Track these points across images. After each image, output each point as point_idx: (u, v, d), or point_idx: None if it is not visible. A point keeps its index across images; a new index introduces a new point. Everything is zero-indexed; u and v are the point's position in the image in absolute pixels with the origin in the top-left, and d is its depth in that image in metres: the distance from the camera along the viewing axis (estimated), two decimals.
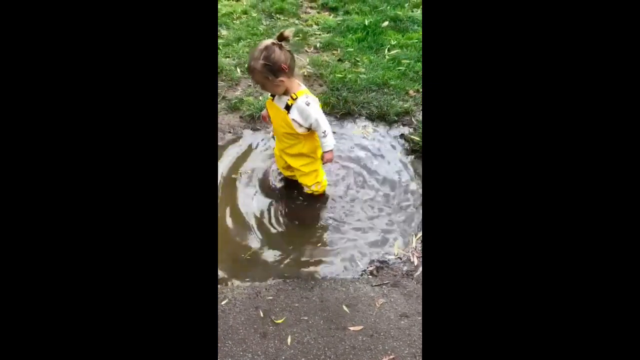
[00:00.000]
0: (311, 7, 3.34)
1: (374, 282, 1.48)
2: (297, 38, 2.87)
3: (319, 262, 1.57)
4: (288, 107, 1.48)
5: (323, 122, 1.50)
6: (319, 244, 1.64)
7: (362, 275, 1.52)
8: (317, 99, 1.52)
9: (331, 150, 1.58)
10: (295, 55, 1.43)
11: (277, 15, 3.16)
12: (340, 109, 2.24)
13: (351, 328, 1.34)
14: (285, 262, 1.57)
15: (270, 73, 1.37)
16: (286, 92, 1.47)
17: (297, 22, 3.11)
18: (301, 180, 1.71)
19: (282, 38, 1.38)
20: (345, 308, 1.40)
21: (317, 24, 3.07)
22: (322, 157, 1.61)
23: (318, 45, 2.80)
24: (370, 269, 1.54)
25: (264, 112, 1.75)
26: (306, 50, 2.76)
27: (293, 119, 1.49)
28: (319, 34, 2.93)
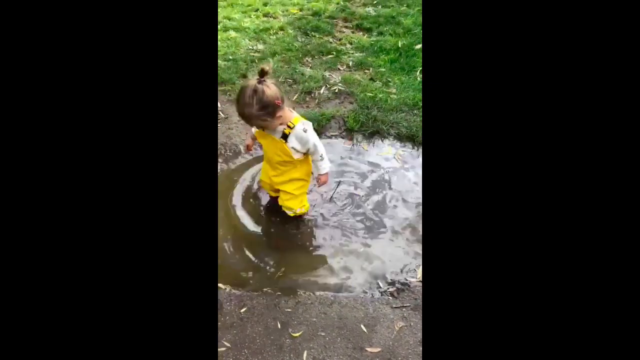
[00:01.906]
0: (346, 27, 3.42)
1: (394, 304, 1.45)
2: (331, 56, 2.93)
3: (339, 279, 1.56)
4: (285, 136, 1.46)
5: (320, 146, 1.52)
6: (340, 262, 1.63)
7: (382, 295, 1.50)
8: (310, 122, 1.50)
9: (327, 173, 1.59)
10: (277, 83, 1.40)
11: (313, 33, 3.25)
12: (368, 127, 2.26)
13: (369, 349, 1.32)
14: (306, 276, 1.57)
15: (268, 114, 1.34)
16: (281, 122, 1.44)
17: (331, 40, 3.18)
18: (287, 203, 1.66)
19: (263, 74, 1.34)
20: (363, 328, 1.38)
21: (350, 43, 3.13)
22: (318, 180, 1.60)
23: (350, 64, 2.85)
24: (391, 290, 1.51)
25: (247, 142, 1.75)
26: (339, 68, 2.81)
27: (292, 147, 1.47)
28: (352, 53, 2.99)
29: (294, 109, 1.59)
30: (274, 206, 1.78)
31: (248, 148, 1.77)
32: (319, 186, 1.66)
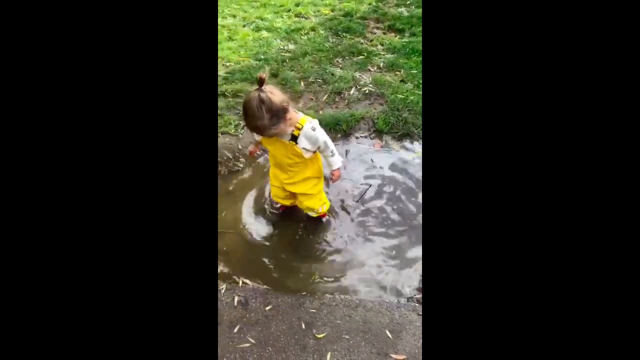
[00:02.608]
0: (377, 28, 3.38)
1: (421, 312, 1.42)
2: (361, 57, 2.91)
3: (365, 283, 1.54)
4: (294, 138, 1.43)
5: (329, 142, 1.49)
6: (366, 266, 1.61)
7: (408, 301, 1.46)
8: (316, 120, 1.47)
9: (339, 168, 1.56)
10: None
11: (344, 34, 3.24)
12: (399, 129, 2.22)
13: (393, 356, 1.29)
14: (331, 278, 1.56)
15: (279, 120, 1.31)
16: (290, 124, 1.41)
17: (362, 41, 3.16)
18: (307, 204, 1.63)
19: (262, 82, 1.29)
20: (388, 333, 1.35)
21: (382, 44, 3.10)
22: (332, 175, 1.58)
23: (381, 65, 2.82)
24: (418, 296, 1.48)
25: (251, 148, 1.71)
26: (369, 69, 2.78)
27: (303, 148, 1.45)
28: (383, 54, 2.95)
29: (321, 109, 1.56)
30: (290, 212, 1.78)
31: (251, 154, 1.75)
32: (332, 182, 1.64)
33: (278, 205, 1.82)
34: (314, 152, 1.51)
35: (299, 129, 1.41)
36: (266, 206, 1.85)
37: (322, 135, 1.45)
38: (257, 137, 1.55)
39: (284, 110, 1.31)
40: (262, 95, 1.26)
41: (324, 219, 1.77)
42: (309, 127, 1.42)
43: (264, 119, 1.27)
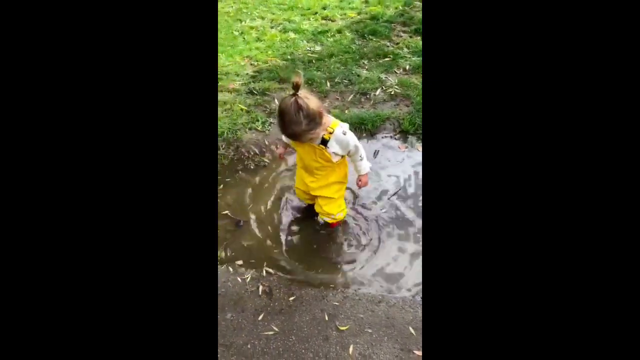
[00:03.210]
0: (404, 31, 3.40)
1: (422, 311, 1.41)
2: (387, 59, 2.93)
3: (388, 280, 1.55)
4: (325, 142, 1.42)
5: (360, 146, 1.47)
6: (391, 264, 1.61)
7: None
8: (346, 124, 1.47)
9: (367, 174, 1.55)
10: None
11: (370, 36, 3.26)
12: None
13: (416, 352, 1.29)
14: (354, 273, 1.57)
15: (316, 125, 1.31)
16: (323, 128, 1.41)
17: (388, 44, 3.18)
18: (326, 208, 1.62)
19: (297, 87, 1.29)
20: (412, 330, 1.35)
21: (408, 47, 3.11)
22: (359, 181, 1.57)
23: (407, 67, 2.82)
24: None
25: (280, 150, 1.73)
26: (395, 71, 2.80)
27: (333, 152, 1.45)
28: (409, 57, 2.96)
29: (347, 109, 1.56)
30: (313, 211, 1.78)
31: (280, 157, 1.76)
32: (359, 187, 1.63)
33: (304, 205, 1.83)
34: (343, 156, 1.52)
35: (330, 133, 1.42)
36: (289, 203, 1.88)
37: (352, 139, 1.46)
38: (286, 139, 1.57)
39: (320, 115, 1.31)
40: (300, 101, 1.26)
41: (338, 227, 1.74)
42: (340, 131, 1.42)
43: (301, 125, 1.27)
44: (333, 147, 1.44)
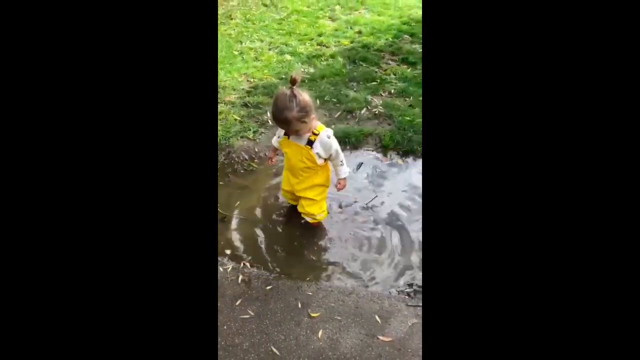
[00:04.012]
0: (392, 60, 3.65)
1: (410, 302, 1.52)
2: (374, 83, 3.16)
3: (360, 275, 1.66)
4: (310, 142, 1.57)
5: (340, 152, 1.64)
6: (363, 261, 1.73)
7: (399, 293, 1.57)
8: (331, 130, 1.62)
9: (345, 178, 1.70)
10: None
11: (360, 63, 3.51)
12: (403, 147, 2.40)
13: (380, 337, 1.39)
14: (329, 269, 1.69)
15: (306, 116, 1.46)
16: (309, 129, 1.55)
17: (376, 70, 3.42)
18: (308, 209, 1.75)
19: (294, 82, 1.44)
20: (377, 318, 1.45)
21: (394, 74, 3.35)
22: (338, 184, 1.72)
23: (392, 91, 3.04)
24: (409, 290, 1.58)
25: (270, 154, 1.86)
26: (381, 94, 3.01)
27: (316, 153, 1.58)
28: (395, 82, 3.19)
29: (333, 125, 1.73)
30: (295, 211, 1.91)
31: (270, 161, 1.87)
32: (338, 190, 1.77)
33: (287, 205, 1.96)
34: (325, 160, 1.66)
35: (316, 135, 1.57)
36: (274, 203, 2.01)
37: (335, 144, 1.61)
38: (275, 143, 1.73)
39: (310, 108, 1.48)
40: (294, 91, 1.44)
41: (318, 227, 1.87)
42: (325, 135, 1.58)
43: (293, 111, 1.43)
44: (317, 148, 1.59)
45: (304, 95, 1.47)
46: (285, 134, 1.62)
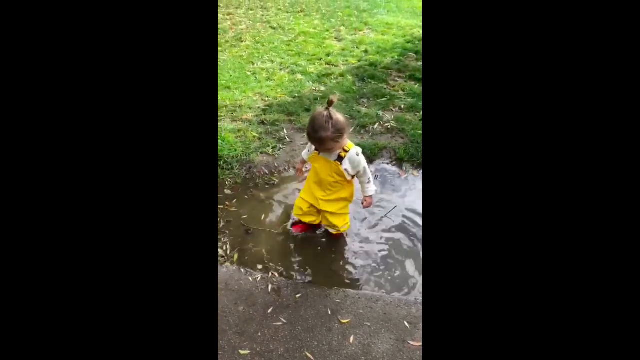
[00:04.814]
0: (399, 77, 3.79)
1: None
2: (384, 99, 3.27)
3: (385, 283, 1.71)
4: (340, 159, 1.66)
5: (368, 170, 1.72)
6: (389, 269, 1.78)
7: None
8: (360, 148, 1.69)
9: (372, 196, 1.76)
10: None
11: (369, 80, 3.64)
12: (417, 159, 2.47)
13: (411, 342, 1.43)
14: (355, 277, 1.74)
15: (340, 136, 1.56)
16: (341, 146, 1.63)
17: (385, 86, 3.55)
18: (332, 220, 1.82)
19: (331, 103, 1.54)
20: (406, 324, 1.50)
21: (403, 90, 3.47)
22: (364, 201, 1.77)
23: (402, 106, 3.15)
24: None
25: (298, 166, 1.94)
26: (391, 109, 3.12)
27: (345, 169, 1.66)
28: (404, 98, 3.31)
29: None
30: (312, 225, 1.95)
31: (299, 172, 1.96)
32: (364, 207, 1.82)
33: (295, 220, 1.98)
34: (353, 176, 1.73)
35: (346, 152, 1.66)
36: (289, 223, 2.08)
37: (363, 162, 1.69)
38: (305, 156, 1.82)
39: (345, 130, 1.57)
40: (331, 112, 1.54)
41: (340, 238, 1.93)
42: (355, 152, 1.67)
43: (328, 132, 1.51)
44: (346, 164, 1.67)
45: (340, 116, 1.55)
46: (316, 149, 1.70)
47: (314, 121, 1.56)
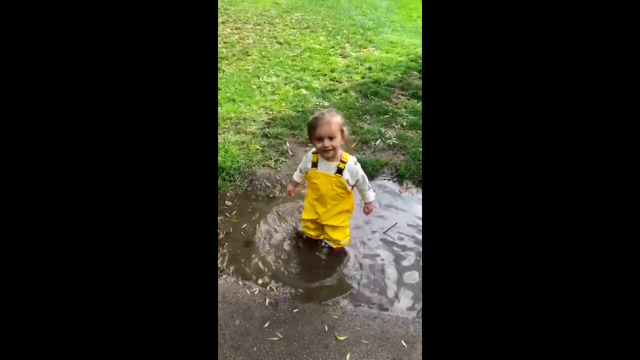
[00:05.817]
0: (402, 94, 3.84)
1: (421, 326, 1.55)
2: (387, 116, 3.30)
3: (383, 300, 1.70)
4: (340, 170, 1.70)
5: (366, 177, 1.76)
6: (387, 287, 1.77)
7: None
8: (354, 157, 1.74)
9: (372, 202, 1.81)
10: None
11: (372, 97, 3.69)
12: (418, 176, 2.49)
13: None
14: (353, 293, 1.73)
15: (341, 135, 1.63)
16: (335, 158, 1.69)
17: (388, 104, 3.59)
18: (332, 235, 1.84)
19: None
20: (403, 343, 1.48)
21: (405, 108, 3.51)
22: (365, 208, 1.82)
23: (404, 124, 3.18)
24: None
25: (289, 188, 1.92)
26: (393, 126, 3.15)
27: (346, 180, 1.70)
28: (406, 116, 3.34)
29: (350, 154, 1.82)
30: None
31: (290, 194, 1.94)
32: (366, 214, 1.86)
33: (304, 237, 2.01)
34: (352, 186, 1.76)
35: (344, 163, 1.70)
36: (296, 229, 2.08)
37: (361, 170, 1.73)
38: (297, 178, 1.85)
39: (344, 131, 1.64)
40: (333, 111, 1.65)
41: (341, 252, 1.93)
42: (352, 162, 1.71)
43: (335, 118, 1.59)
44: (346, 175, 1.71)
45: (343, 120, 1.67)
46: (315, 152, 1.73)
47: (318, 117, 1.62)
